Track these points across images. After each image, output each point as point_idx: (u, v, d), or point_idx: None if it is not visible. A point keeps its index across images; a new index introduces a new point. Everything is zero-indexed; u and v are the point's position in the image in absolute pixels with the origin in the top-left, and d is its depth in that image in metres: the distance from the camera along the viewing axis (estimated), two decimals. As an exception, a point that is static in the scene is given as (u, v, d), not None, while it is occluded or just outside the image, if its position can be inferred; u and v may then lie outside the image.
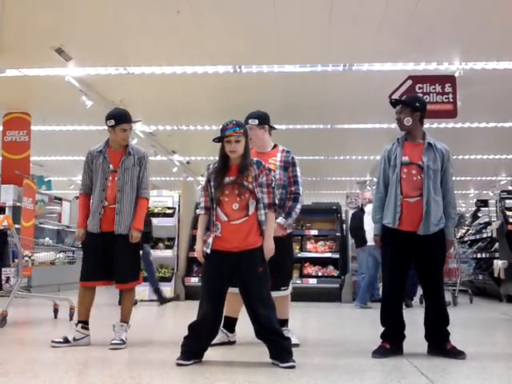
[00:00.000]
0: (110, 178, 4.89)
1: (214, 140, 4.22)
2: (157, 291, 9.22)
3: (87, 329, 4.84)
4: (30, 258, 10.06)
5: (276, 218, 4.49)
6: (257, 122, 4.91)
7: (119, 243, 4.82)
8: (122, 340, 4.72)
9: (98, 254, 4.82)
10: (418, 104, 4.73)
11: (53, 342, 4.66)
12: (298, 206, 4.93)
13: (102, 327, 5.16)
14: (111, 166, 4.91)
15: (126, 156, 4.96)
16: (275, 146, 5.09)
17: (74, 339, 4.74)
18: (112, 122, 4.89)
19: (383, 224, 4.67)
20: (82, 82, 9.42)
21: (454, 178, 4.81)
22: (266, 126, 5.01)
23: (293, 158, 4.99)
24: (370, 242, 8.33)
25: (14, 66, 8.76)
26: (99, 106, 10.06)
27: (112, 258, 4.81)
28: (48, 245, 11.15)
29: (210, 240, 4.10)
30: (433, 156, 4.61)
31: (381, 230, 4.71)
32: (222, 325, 4.60)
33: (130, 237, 4.84)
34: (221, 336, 4.75)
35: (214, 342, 4.31)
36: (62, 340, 4.69)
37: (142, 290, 9.74)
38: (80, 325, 4.80)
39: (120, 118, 4.94)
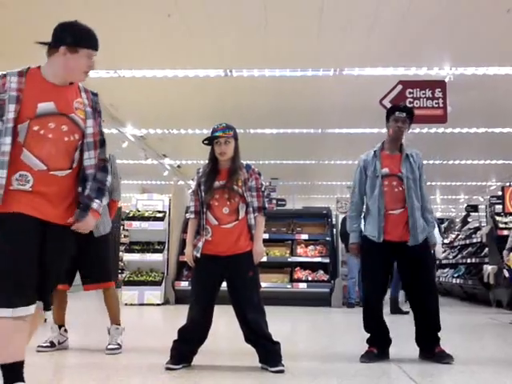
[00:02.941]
0: None
1: (203, 141, 4.22)
2: (393, 300, 9.08)
3: (66, 331, 4.86)
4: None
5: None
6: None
7: (93, 244, 4.72)
8: (118, 344, 4.69)
9: None
10: (413, 118, 4.80)
11: (39, 346, 4.62)
12: (109, 178, 3.28)
13: (89, 330, 5.14)
14: None
15: None
16: None
17: (59, 342, 4.75)
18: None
19: (365, 235, 4.69)
20: (72, 85, 9.40)
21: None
22: (63, 47, 2.99)
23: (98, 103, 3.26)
24: None
25: (8, 69, 8.71)
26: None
27: (77, 260, 4.53)
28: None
29: (200, 244, 4.10)
30: (410, 166, 4.64)
31: (359, 238, 4.73)
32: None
33: None
34: None
35: None
36: (48, 344, 4.67)
37: (132, 294, 9.71)
38: (63, 328, 4.81)
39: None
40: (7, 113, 2.79)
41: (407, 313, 8.56)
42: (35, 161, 2.83)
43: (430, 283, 4.63)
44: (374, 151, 4.75)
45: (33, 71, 2.99)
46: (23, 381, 2.78)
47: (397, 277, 9.25)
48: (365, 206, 4.80)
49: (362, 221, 4.83)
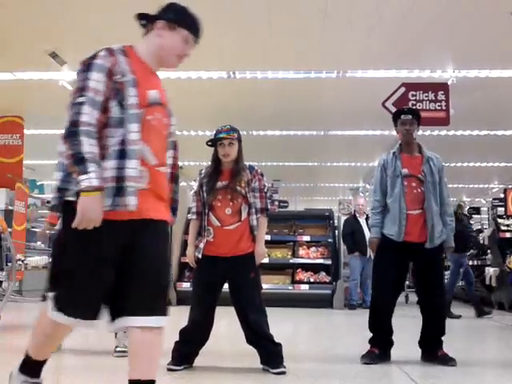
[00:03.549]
0: None
1: (207, 143, 4.22)
2: (476, 303, 9.10)
3: None
4: (23, 261, 10.04)
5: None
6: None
7: None
8: (126, 347, 4.62)
9: None
10: (420, 117, 4.82)
11: None
12: None
13: (85, 332, 5.12)
14: None
15: None
16: None
17: None
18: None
19: (383, 233, 4.68)
20: (75, 87, 9.41)
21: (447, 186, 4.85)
22: (162, 22, 2.62)
23: None
24: None
25: (8, 69, 8.75)
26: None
27: None
28: (40, 249, 11.11)
29: (202, 245, 4.10)
30: (430, 169, 4.65)
31: (380, 233, 4.71)
32: None
33: None
34: None
35: None
36: None
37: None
38: None
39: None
40: (129, 97, 2.40)
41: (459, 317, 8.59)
42: (149, 154, 2.46)
43: (440, 287, 4.66)
44: (393, 152, 4.76)
45: (129, 50, 2.58)
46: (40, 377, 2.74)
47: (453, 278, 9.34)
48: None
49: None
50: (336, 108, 10.65)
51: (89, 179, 2.24)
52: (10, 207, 10.57)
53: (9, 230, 6.59)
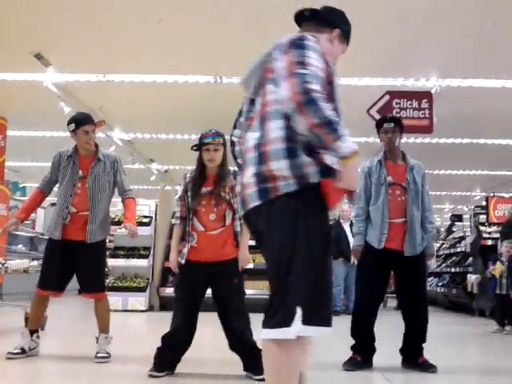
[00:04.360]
0: (79, 185, 4.66)
1: (192, 148, 4.21)
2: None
3: (39, 338, 4.70)
4: (3, 265, 9.92)
5: None
6: None
7: (89, 252, 4.61)
8: (107, 353, 4.56)
9: (57, 262, 4.59)
10: (402, 125, 4.85)
11: (9, 353, 4.41)
12: None
13: (65, 338, 5.09)
14: (80, 172, 4.68)
15: (96, 162, 4.74)
16: None
17: (30, 349, 4.56)
18: (73, 126, 4.67)
19: (366, 240, 4.71)
20: (60, 88, 9.35)
21: (429, 193, 4.89)
22: (338, 30, 2.70)
23: None
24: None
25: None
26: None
27: (73, 268, 4.61)
28: (21, 252, 11.00)
29: (185, 250, 4.08)
30: (413, 177, 4.69)
31: (364, 241, 4.74)
32: None
33: (129, 232, 4.63)
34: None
35: None
36: (19, 351, 4.46)
37: (116, 300, 9.64)
38: (35, 334, 4.64)
39: (80, 120, 4.71)
40: (336, 91, 2.35)
41: None
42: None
43: (422, 295, 4.68)
44: (379, 160, 4.79)
45: None
46: None
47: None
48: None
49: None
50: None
51: (348, 143, 2.08)
52: (-8, 209, 10.45)
53: (-10, 232, 6.47)
